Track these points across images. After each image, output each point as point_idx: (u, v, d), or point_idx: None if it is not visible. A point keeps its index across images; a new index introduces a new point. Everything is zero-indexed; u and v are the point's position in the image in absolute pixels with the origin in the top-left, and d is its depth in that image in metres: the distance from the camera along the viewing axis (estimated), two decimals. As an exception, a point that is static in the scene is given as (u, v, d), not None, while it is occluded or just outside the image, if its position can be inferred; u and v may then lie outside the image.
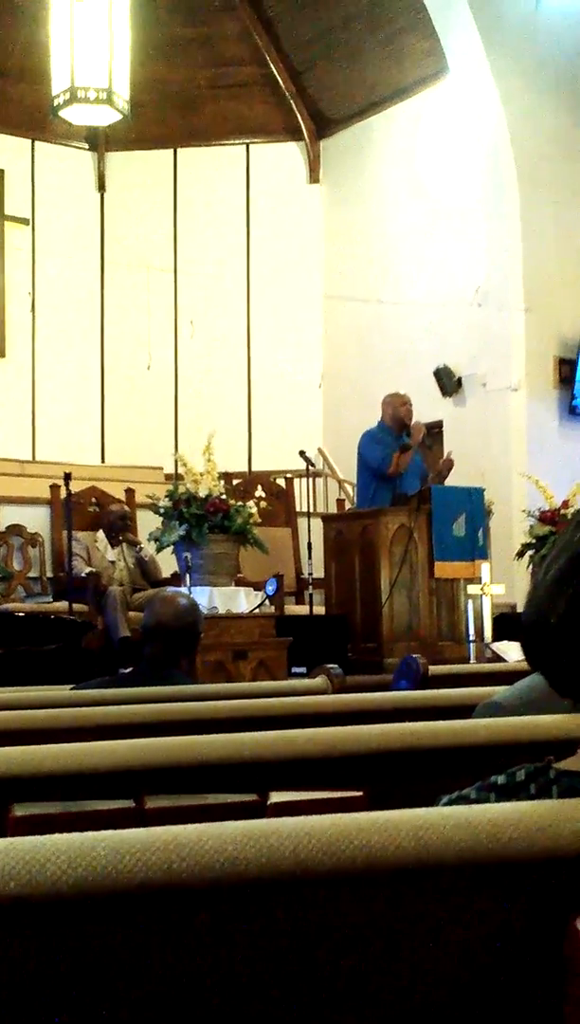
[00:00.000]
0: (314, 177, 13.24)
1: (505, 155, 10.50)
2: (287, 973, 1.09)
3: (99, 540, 8.99)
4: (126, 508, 9.34)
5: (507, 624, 7.29)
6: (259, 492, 9.86)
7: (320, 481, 12.10)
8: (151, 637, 3.69)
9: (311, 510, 10.10)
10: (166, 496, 7.62)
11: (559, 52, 10.48)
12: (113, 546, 8.95)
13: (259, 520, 7.80)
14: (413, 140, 12.02)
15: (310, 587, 8.57)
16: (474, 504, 7.97)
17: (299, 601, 9.44)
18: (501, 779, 1.29)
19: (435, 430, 11.06)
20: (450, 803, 1.30)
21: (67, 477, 8.49)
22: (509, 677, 3.02)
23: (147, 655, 3.70)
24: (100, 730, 2.50)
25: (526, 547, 8.79)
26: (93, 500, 9.50)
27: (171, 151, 13.38)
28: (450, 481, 8.28)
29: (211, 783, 2.08)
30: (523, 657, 1.33)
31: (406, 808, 1.18)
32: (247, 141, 13.33)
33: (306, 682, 3.75)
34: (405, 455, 8.00)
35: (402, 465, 7.99)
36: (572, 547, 1.23)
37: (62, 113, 9.34)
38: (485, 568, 7.48)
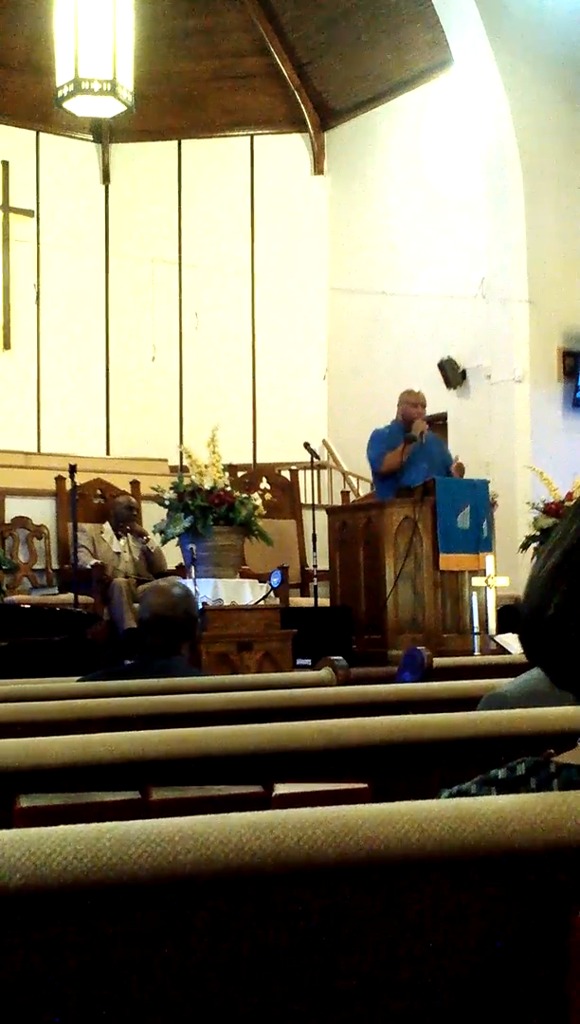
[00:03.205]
0: (318, 168, 13.23)
1: (509, 146, 10.48)
2: (292, 964, 1.09)
3: (105, 532, 8.99)
4: (133, 499, 9.35)
5: (511, 616, 7.28)
6: (264, 484, 9.85)
7: (325, 473, 12.11)
8: (148, 629, 3.74)
9: (316, 502, 10.11)
10: (171, 488, 7.62)
11: (564, 44, 10.45)
12: (119, 538, 8.96)
13: (264, 512, 7.81)
14: (417, 131, 12.00)
15: (315, 579, 8.58)
16: (478, 496, 7.98)
17: (304, 593, 9.44)
18: (501, 773, 1.29)
19: (439, 422, 11.06)
20: (451, 798, 1.31)
21: (72, 469, 8.49)
22: (513, 669, 3.03)
23: (147, 646, 3.74)
24: (105, 722, 2.51)
25: (530, 539, 8.78)
26: (98, 492, 9.51)
27: (175, 143, 13.37)
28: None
29: (216, 775, 2.08)
30: (526, 649, 1.33)
31: (411, 800, 1.18)
32: (251, 133, 13.31)
33: (311, 674, 3.75)
34: (406, 448, 8.04)
35: (392, 463, 8.02)
36: (567, 539, 1.22)
37: (66, 105, 9.32)
38: (489, 560, 7.49)
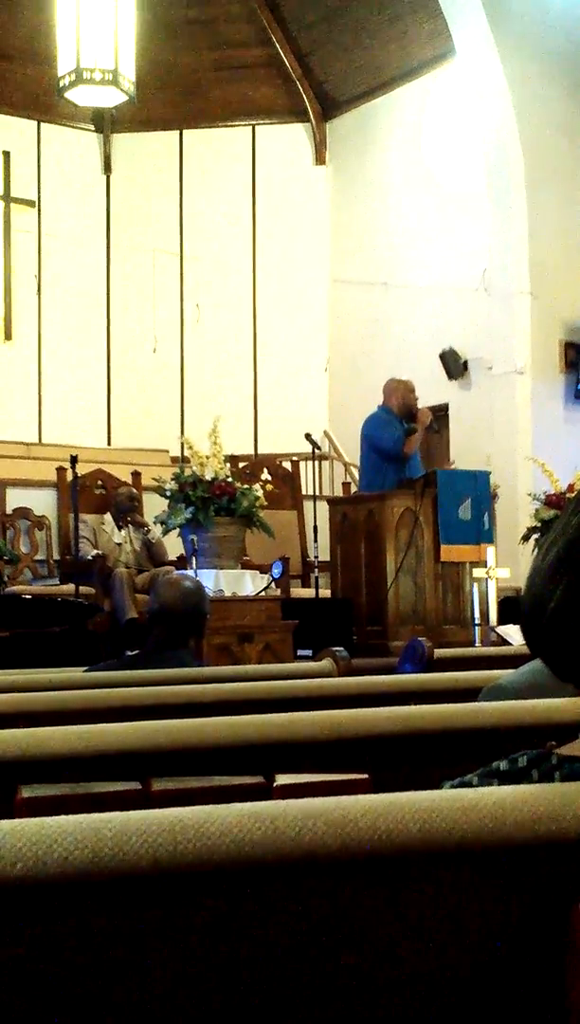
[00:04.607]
0: (320, 159, 13.20)
1: (511, 138, 10.45)
2: (292, 955, 1.09)
3: (106, 523, 9.00)
4: (134, 490, 9.35)
5: (512, 607, 7.29)
6: (265, 475, 9.86)
7: (326, 464, 12.10)
8: (157, 620, 3.72)
9: (317, 493, 10.11)
10: (172, 479, 7.62)
11: (567, 36, 10.42)
12: (120, 528, 8.97)
13: (265, 503, 7.80)
14: (419, 122, 11.97)
15: (316, 570, 8.58)
16: (480, 488, 7.97)
17: (305, 584, 9.45)
18: (503, 765, 1.29)
19: (441, 413, 11.04)
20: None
21: (73, 460, 8.49)
22: (514, 660, 3.03)
23: (153, 637, 3.73)
24: (106, 712, 2.51)
25: (531, 531, 8.78)
26: (99, 483, 9.51)
27: (177, 133, 13.34)
28: (457, 465, 8.31)
29: (217, 765, 2.08)
30: (526, 641, 1.33)
31: (411, 791, 1.18)
32: (253, 123, 13.28)
33: (312, 665, 3.76)
34: (412, 438, 8.04)
35: (411, 448, 8.05)
36: (568, 532, 1.22)
37: (68, 94, 9.31)
38: (490, 552, 7.49)
